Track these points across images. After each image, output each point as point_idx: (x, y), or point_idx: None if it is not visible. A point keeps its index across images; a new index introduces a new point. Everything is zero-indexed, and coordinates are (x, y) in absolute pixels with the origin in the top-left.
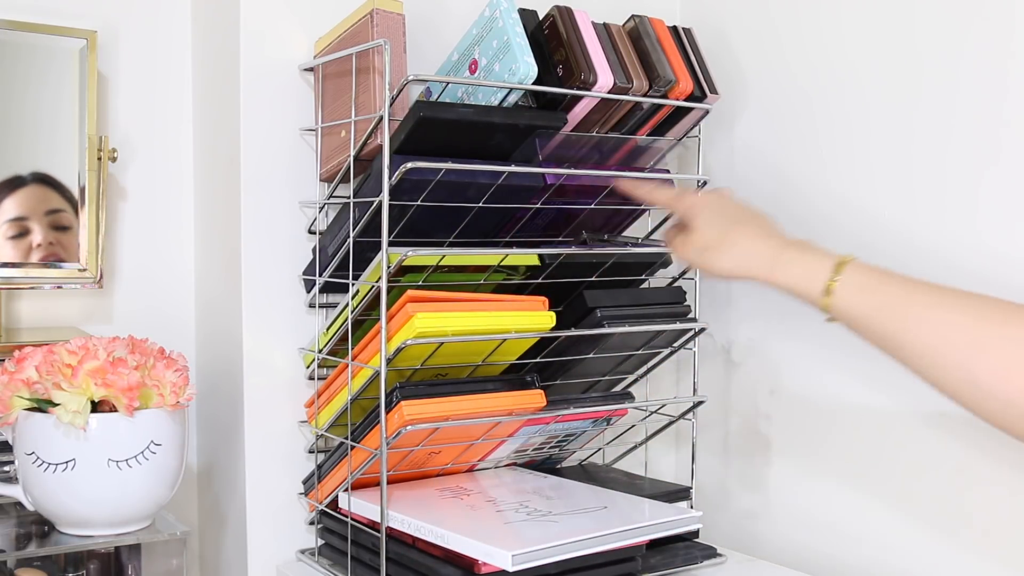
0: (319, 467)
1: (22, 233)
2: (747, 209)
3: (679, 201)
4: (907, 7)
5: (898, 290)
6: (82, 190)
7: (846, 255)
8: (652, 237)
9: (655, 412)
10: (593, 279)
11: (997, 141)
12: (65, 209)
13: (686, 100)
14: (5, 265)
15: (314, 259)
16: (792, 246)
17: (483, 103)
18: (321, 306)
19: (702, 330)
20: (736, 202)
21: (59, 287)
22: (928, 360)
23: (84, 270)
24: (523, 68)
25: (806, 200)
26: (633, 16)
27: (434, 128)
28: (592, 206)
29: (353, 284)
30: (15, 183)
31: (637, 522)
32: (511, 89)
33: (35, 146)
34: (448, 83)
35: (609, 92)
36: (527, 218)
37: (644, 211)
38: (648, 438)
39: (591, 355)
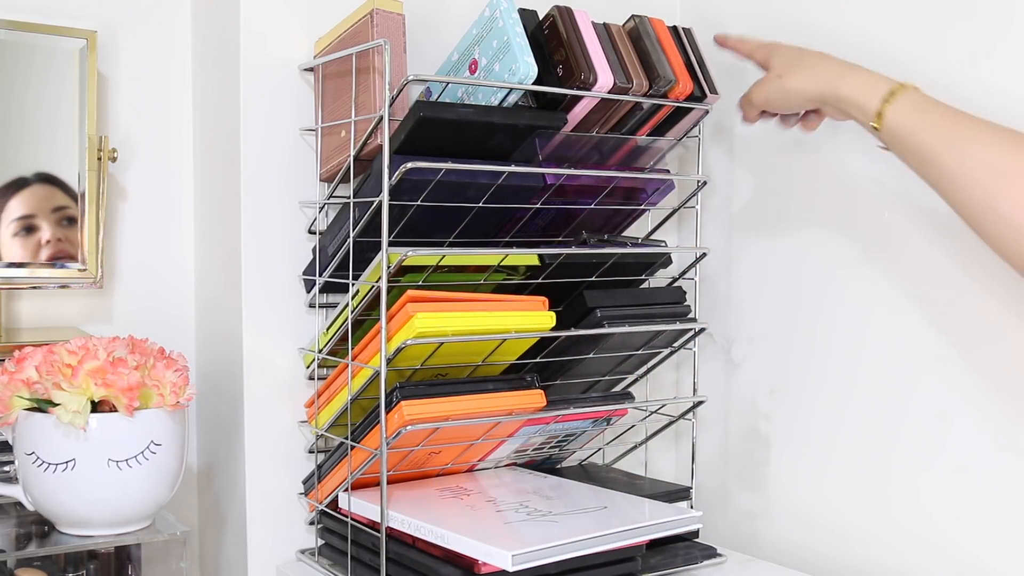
0: (319, 467)
1: (30, 231)
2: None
3: (760, 48)
4: (906, 6)
5: (947, 117)
6: (82, 190)
7: (908, 83)
8: (652, 237)
9: (655, 412)
10: (593, 279)
11: None
12: (70, 206)
13: (686, 100)
14: (7, 265)
15: (314, 259)
16: (857, 66)
17: (483, 103)
18: (321, 306)
19: (702, 330)
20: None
21: (59, 287)
22: (956, 182)
23: (84, 270)
24: (523, 68)
25: (806, 199)
26: (633, 16)
27: (434, 128)
28: (592, 206)
29: (353, 284)
30: (20, 183)
31: (637, 522)
32: (511, 89)
33: (36, 146)
34: (448, 83)
35: (609, 92)
36: (527, 218)
37: (644, 211)
38: (648, 438)
39: (591, 355)
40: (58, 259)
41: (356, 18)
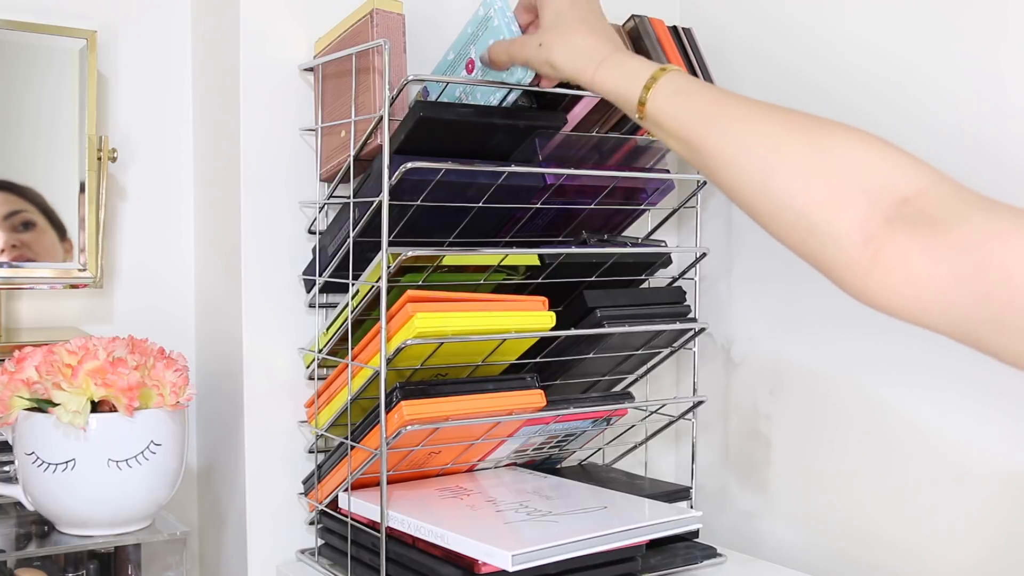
0: (319, 467)
1: None
2: (597, 13)
3: None
4: (906, 6)
5: (710, 98)
6: (82, 190)
7: (672, 65)
8: (652, 237)
9: (655, 412)
10: (593, 279)
11: (996, 150)
12: (26, 209)
13: None
14: (4, 265)
15: (314, 259)
16: (621, 50)
17: (481, 103)
18: (321, 306)
19: (702, 330)
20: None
21: (59, 287)
22: (727, 167)
23: (84, 270)
24: (519, 69)
25: None
26: (633, 16)
27: (434, 128)
28: (592, 206)
29: (353, 284)
30: None
31: (637, 522)
32: (511, 89)
33: (34, 146)
34: (447, 83)
35: None
36: (527, 218)
37: (644, 211)
38: (648, 438)
39: (591, 355)
40: (10, 264)
41: (356, 18)
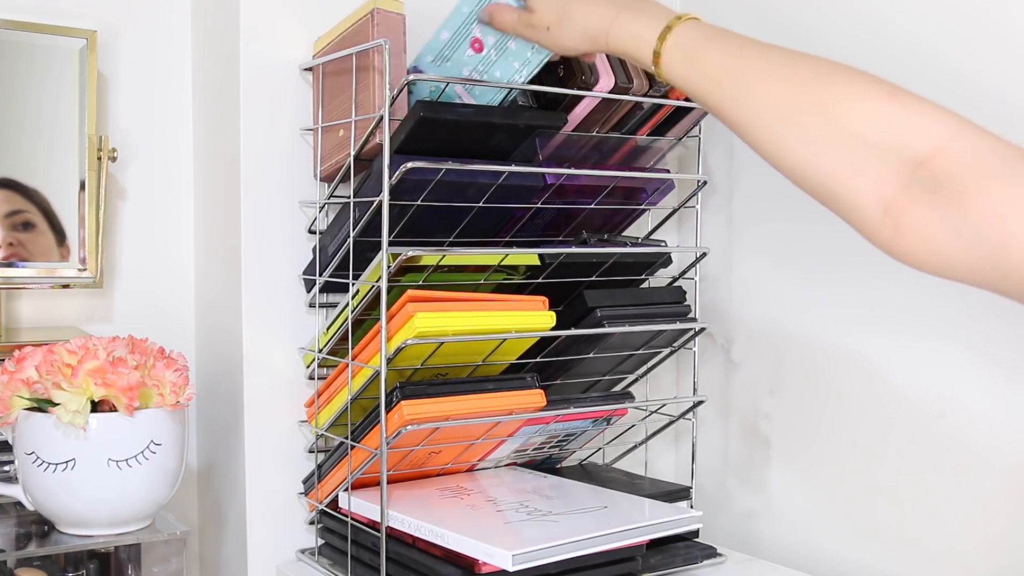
0: (319, 467)
1: None
2: None
3: None
4: (906, 6)
5: (719, 58)
6: (82, 189)
7: (682, 14)
8: (652, 237)
9: (655, 412)
10: (593, 279)
11: None
12: (27, 209)
13: (686, 100)
14: (5, 265)
15: (314, 259)
16: (627, 8)
17: (491, 84)
18: (321, 306)
19: (702, 330)
20: None
21: (58, 287)
22: (746, 135)
23: (84, 270)
24: (529, 48)
25: (806, 198)
26: None
27: (434, 128)
28: (592, 206)
29: (353, 284)
30: None
31: (637, 522)
32: (509, 90)
33: (35, 145)
34: (448, 83)
35: (610, 92)
36: (527, 218)
37: (644, 211)
38: (648, 438)
39: (591, 355)
40: (10, 265)
41: (356, 17)
